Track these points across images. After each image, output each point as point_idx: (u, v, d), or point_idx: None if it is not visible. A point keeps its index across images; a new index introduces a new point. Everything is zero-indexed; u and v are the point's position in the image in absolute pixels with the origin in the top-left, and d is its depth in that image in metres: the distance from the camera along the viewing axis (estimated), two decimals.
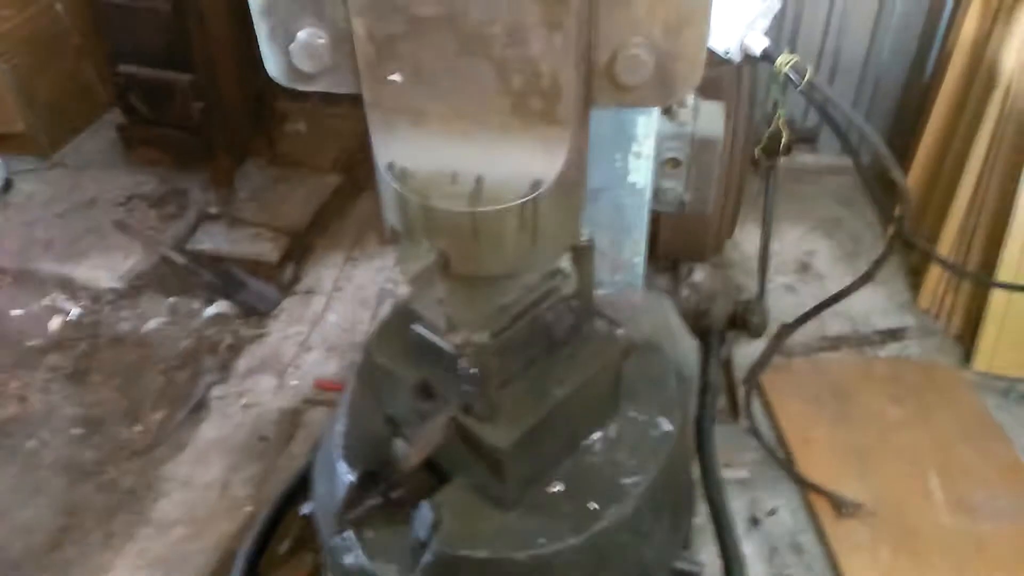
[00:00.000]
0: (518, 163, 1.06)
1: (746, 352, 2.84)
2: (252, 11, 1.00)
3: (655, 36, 0.94)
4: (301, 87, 1.06)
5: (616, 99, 1.00)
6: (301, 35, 1.00)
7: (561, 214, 1.15)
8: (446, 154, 1.07)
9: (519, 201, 1.06)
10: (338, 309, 3.26)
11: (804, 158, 3.79)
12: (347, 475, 1.43)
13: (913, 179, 3.21)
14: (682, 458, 1.58)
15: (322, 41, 1.00)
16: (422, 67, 1.01)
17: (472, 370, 1.26)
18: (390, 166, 1.09)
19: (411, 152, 1.08)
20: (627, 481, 1.38)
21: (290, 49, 1.01)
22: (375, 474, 1.46)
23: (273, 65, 1.05)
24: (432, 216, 1.10)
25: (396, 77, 1.02)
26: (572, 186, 1.14)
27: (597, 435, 1.46)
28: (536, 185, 1.06)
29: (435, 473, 1.44)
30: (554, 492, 1.37)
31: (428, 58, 0.99)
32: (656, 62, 0.95)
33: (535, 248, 1.14)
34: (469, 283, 1.23)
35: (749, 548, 2.31)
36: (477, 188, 1.07)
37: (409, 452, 1.28)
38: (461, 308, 1.29)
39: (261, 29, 1.02)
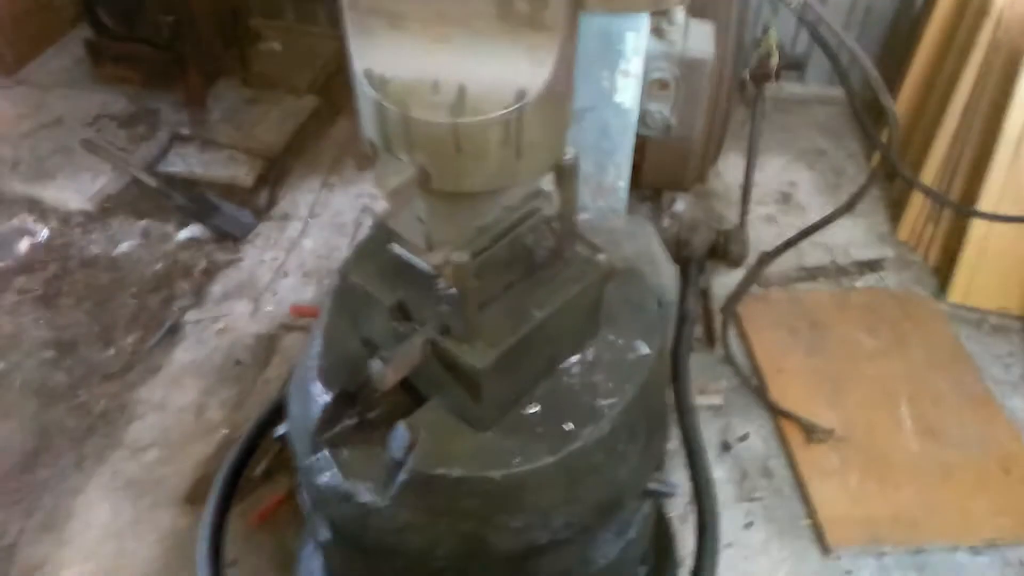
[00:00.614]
0: (503, 71, 1.01)
1: (724, 282, 2.85)
2: None
3: None
4: None
5: (607, 3, 0.95)
6: None
7: (547, 127, 1.10)
8: (427, 61, 1.02)
9: (503, 112, 1.02)
10: (315, 235, 3.21)
11: (791, 87, 3.74)
12: (322, 395, 1.41)
13: (900, 109, 3.18)
14: (658, 382, 1.58)
15: None
16: None
17: (451, 290, 1.24)
18: (367, 73, 1.03)
19: (389, 58, 1.03)
20: (603, 403, 1.37)
21: None
22: (351, 395, 1.44)
23: None
24: (412, 128, 1.05)
25: None
26: (559, 98, 1.09)
27: (575, 358, 1.45)
28: (521, 95, 1.01)
29: (411, 394, 1.43)
30: (531, 413, 1.37)
31: None
32: None
33: (519, 163, 1.10)
34: (449, 200, 1.19)
35: (720, 472, 2.36)
36: (459, 98, 1.02)
37: (385, 372, 1.26)
38: (440, 227, 1.25)
39: None
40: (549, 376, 1.42)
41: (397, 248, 1.34)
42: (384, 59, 1.03)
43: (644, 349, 1.46)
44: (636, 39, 1.55)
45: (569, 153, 1.27)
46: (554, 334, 1.38)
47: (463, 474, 1.28)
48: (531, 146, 1.09)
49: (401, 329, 1.37)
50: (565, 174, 1.29)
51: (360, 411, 1.45)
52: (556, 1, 0.95)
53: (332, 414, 1.42)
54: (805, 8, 1.72)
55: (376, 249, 1.42)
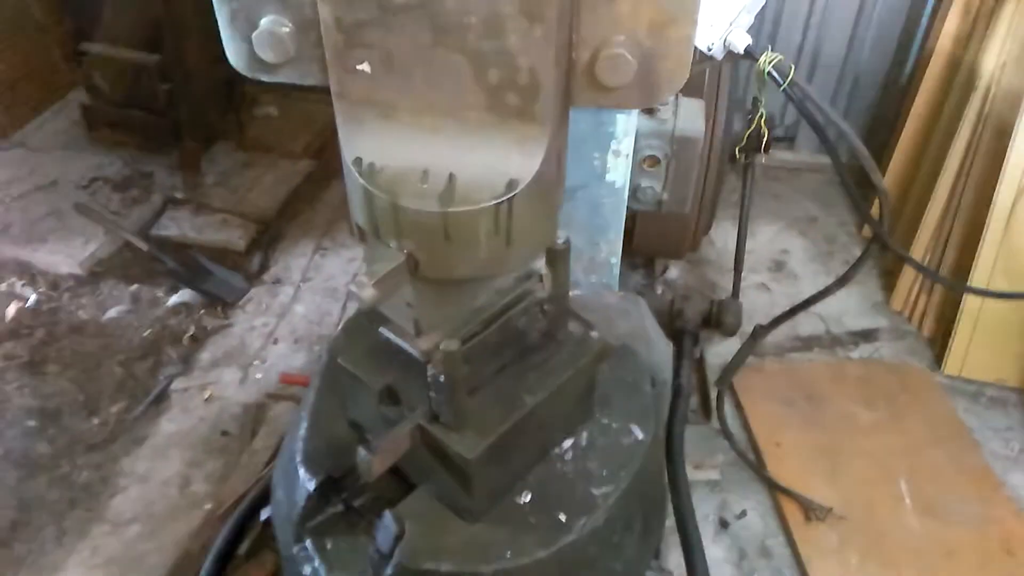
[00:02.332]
0: (493, 162, 1.00)
1: (718, 351, 2.82)
2: None
3: (639, 35, 0.89)
4: (264, 77, 1.00)
5: (597, 100, 0.95)
6: (264, 22, 0.94)
7: (537, 215, 1.09)
8: (416, 150, 1.01)
9: (493, 202, 1.01)
10: (306, 300, 3.19)
11: (781, 155, 3.78)
12: (307, 482, 1.38)
13: (889, 179, 3.20)
14: (655, 467, 1.54)
15: (286, 29, 0.94)
16: (393, 57, 0.95)
17: (440, 377, 1.21)
18: (357, 161, 1.03)
19: (379, 147, 1.02)
20: (598, 492, 1.34)
21: (252, 37, 0.95)
22: (336, 481, 1.41)
23: (234, 54, 0.99)
24: (401, 216, 1.04)
25: (365, 67, 0.96)
26: (549, 186, 1.09)
27: (568, 443, 1.42)
28: (512, 185, 1.00)
29: (399, 480, 1.39)
30: (522, 503, 1.33)
31: (399, 48, 0.93)
32: (640, 62, 0.90)
33: (509, 250, 1.09)
34: (438, 287, 1.18)
35: (718, 551, 2.30)
36: (449, 187, 1.02)
37: (372, 461, 1.23)
38: (430, 312, 1.23)
39: (221, 15, 0.96)
40: (542, 462, 1.39)
41: (386, 331, 1.32)
42: (374, 148, 1.02)
43: (639, 434, 1.43)
44: (627, 120, 1.56)
45: (561, 237, 1.26)
46: (547, 419, 1.35)
47: (452, 569, 1.24)
48: (521, 234, 1.08)
49: (389, 414, 1.34)
50: (557, 258, 1.28)
51: (346, 498, 1.41)
52: (547, 94, 0.94)
53: (317, 501, 1.38)
54: (792, 86, 1.74)
55: (365, 328, 1.40)
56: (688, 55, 0.91)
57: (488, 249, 1.08)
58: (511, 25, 0.89)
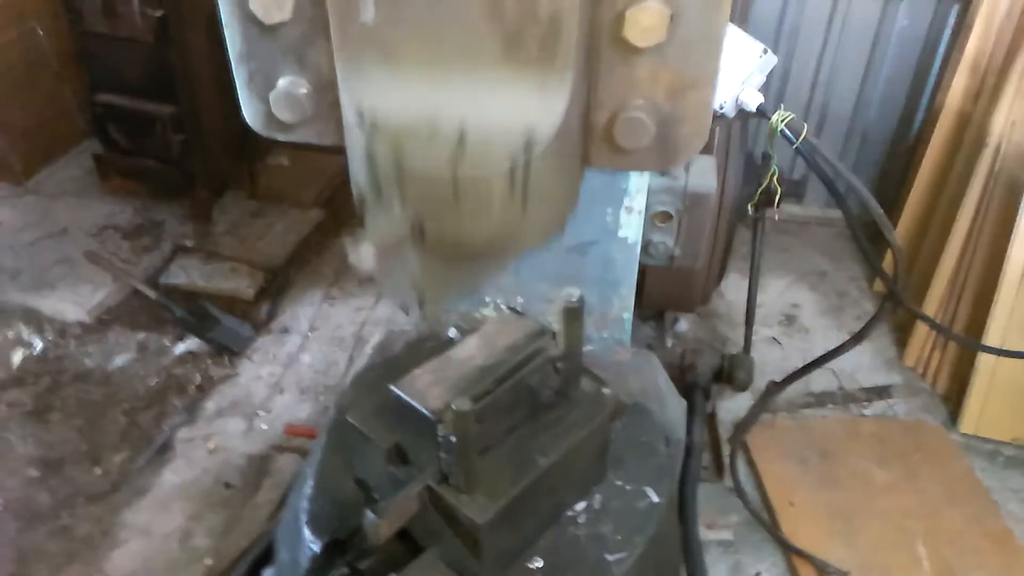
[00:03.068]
0: (508, 116, 0.90)
1: (728, 406, 2.79)
2: (231, 56, 0.94)
3: (658, 98, 0.89)
4: (281, 137, 0.99)
5: (614, 162, 0.94)
6: (281, 83, 0.94)
7: (557, 177, 0.99)
8: (424, 102, 0.90)
9: (509, 162, 0.91)
10: (313, 350, 3.17)
11: (791, 209, 3.77)
12: (312, 543, 1.34)
13: (900, 235, 3.19)
14: (670, 531, 1.50)
15: (304, 91, 0.94)
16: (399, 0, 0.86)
17: (451, 437, 1.18)
18: (359, 114, 0.93)
19: (383, 97, 0.92)
20: (612, 558, 1.30)
21: (270, 98, 0.94)
22: (342, 543, 1.37)
23: (251, 113, 0.98)
24: (406, 177, 0.95)
25: (369, 14, 0.86)
26: (570, 144, 0.98)
27: (581, 505, 1.39)
28: (530, 143, 0.90)
29: (406, 542, 1.35)
30: (534, 568, 1.29)
31: None
32: (658, 126, 0.89)
33: (525, 218, 0.99)
34: (446, 258, 1.06)
35: None
36: (460, 145, 0.91)
37: (380, 523, 1.20)
38: (435, 287, 1.13)
39: (239, 75, 0.96)
40: (553, 525, 1.36)
41: (396, 390, 1.30)
42: (377, 99, 0.93)
43: (654, 497, 1.40)
44: (639, 177, 1.55)
45: (574, 296, 1.24)
46: (560, 481, 1.32)
47: None
48: (539, 199, 0.97)
49: (397, 473, 1.31)
50: (571, 315, 1.27)
51: (351, 560, 1.37)
52: (569, 36, 0.85)
53: (321, 564, 1.35)
54: (805, 144, 1.74)
55: (374, 383, 1.38)
56: (707, 120, 0.91)
57: (502, 215, 0.97)
58: None
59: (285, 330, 3.26)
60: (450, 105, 0.89)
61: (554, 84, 0.88)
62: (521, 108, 0.89)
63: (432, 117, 0.90)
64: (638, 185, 1.59)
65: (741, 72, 1.70)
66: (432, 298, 1.13)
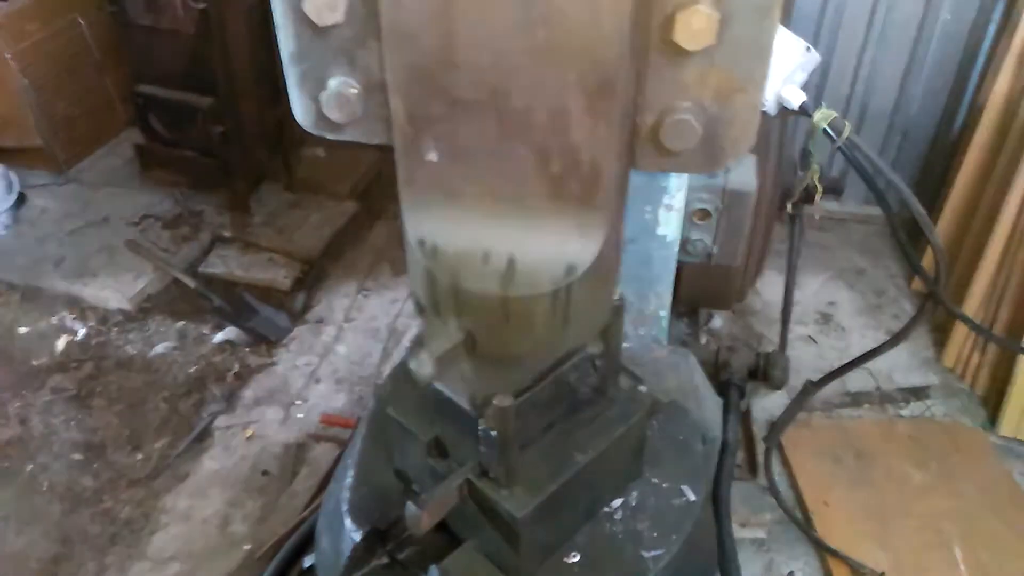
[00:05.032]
0: (553, 247, 1.01)
1: (763, 404, 2.77)
2: (282, 57, 0.95)
3: (705, 101, 0.89)
4: (330, 136, 1.01)
5: (659, 164, 0.94)
6: (332, 83, 0.95)
7: (595, 297, 1.10)
8: (479, 234, 1.02)
9: (552, 286, 1.02)
10: (349, 340, 3.21)
11: (828, 206, 3.73)
12: (353, 532, 1.36)
13: (941, 234, 3.15)
14: (706, 529, 1.51)
15: (354, 91, 0.95)
16: (459, 148, 0.96)
17: (491, 432, 1.20)
18: (421, 243, 1.04)
19: (443, 230, 1.03)
20: (648, 555, 1.31)
21: (320, 98, 0.96)
22: (383, 532, 1.39)
23: (302, 113, 1.00)
24: (461, 296, 1.05)
25: (433, 156, 0.97)
26: (607, 270, 1.09)
27: (618, 502, 1.39)
28: (571, 270, 1.01)
29: (445, 533, 1.37)
30: (571, 563, 1.30)
31: (466, 139, 0.95)
32: (705, 128, 0.90)
33: (566, 331, 1.09)
34: (496, 361, 1.17)
35: None
36: (509, 270, 1.02)
37: (421, 516, 1.21)
38: (486, 385, 1.22)
39: (291, 76, 0.97)
40: (590, 521, 1.36)
41: (436, 384, 1.31)
42: (438, 231, 1.03)
43: (691, 495, 1.40)
44: (679, 176, 1.55)
45: (615, 294, 1.25)
46: (597, 478, 1.33)
47: None
48: (578, 315, 1.08)
49: (437, 466, 1.33)
50: (612, 313, 1.27)
51: (391, 550, 1.39)
52: (608, 184, 0.95)
53: (362, 553, 1.37)
54: (847, 142, 1.72)
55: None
56: (754, 122, 0.91)
57: (545, 329, 1.08)
58: (576, 121, 0.90)
59: (321, 321, 3.30)
60: (502, 237, 1.01)
61: (593, 223, 0.99)
62: (564, 242, 1.01)
63: (486, 246, 1.02)
64: (678, 183, 1.59)
65: (784, 69, 1.69)
66: (483, 395, 1.21)
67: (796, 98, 1.73)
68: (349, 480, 1.47)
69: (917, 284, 3.32)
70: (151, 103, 3.55)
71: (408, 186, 1.01)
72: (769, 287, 3.25)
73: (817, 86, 3.46)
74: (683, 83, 0.88)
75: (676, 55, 0.86)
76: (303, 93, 0.97)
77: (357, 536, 1.37)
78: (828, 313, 3.29)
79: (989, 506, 2.43)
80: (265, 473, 2.63)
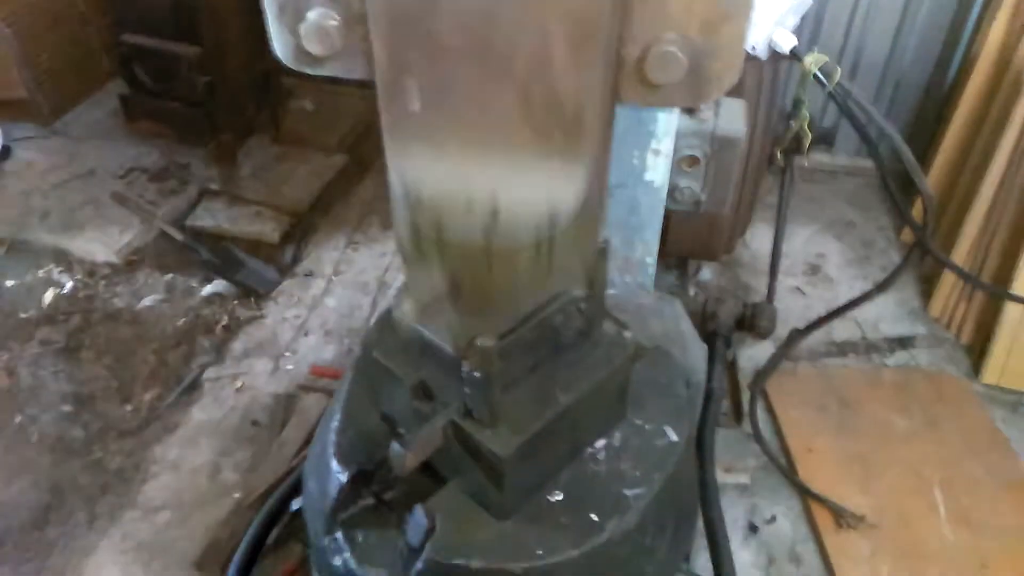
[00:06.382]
0: (536, 195, 1.01)
1: (750, 354, 2.79)
2: None
3: (691, 32, 0.87)
4: (309, 70, 0.99)
5: (644, 98, 0.93)
6: (312, 15, 0.93)
7: (579, 244, 1.11)
8: (462, 182, 1.02)
9: (535, 235, 1.02)
10: (337, 293, 3.21)
11: (819, 157, 3.73)
12: (339, 474, 1.37)
13: (931, 183, 3.14)
14: (688, 471, 1.52)
15: (334, 23, 0.93)
16: (443, 94, 0.95)
17: (475, 373, 1.20)
18: (404, 191, 1.04)
19: (426, 178, 1.03)
20: (630, 493, 1.32)
21: (300, 30, 0.94)
22: (369, 474, 1.40)
23: (280, 46, 0.98)
24: (445, 245, 1.06)
25: (416, 107, 0.95)
26: (590, 219, 1.09)
27: (601, 443, 1.41)
28: (554, 218, 1.01)
29: (430, 475, 1.38)
30: (554, 501, 1.32)
31: (450, 85, 0.94)
32: (690, 60, 0.88)
33: (550, 279, 1.11)
34: (479, 310, 1.19)
35: (747, 556, 2.27)
36: (492, 219, 1.02)
37: (406, 455, 1.22)
38: (470, 332, 1.22)
39: (269, 7, 0.95)
40: (574, 461, 1.38)
41: (419, 327, 1.31)
42: (421, 179, 1.03)
43: (672, 436, 1.41)
44: (667, 119, 1.54)
45: (600, 239, 1.24)
46: (580, 418, 1.34)
47: (482, 566, 1.22)
48: (562, 262, 1.09)
49: (422, 408, 1.34)
50: (596, 256, 1.27)
51: (377, 491, 1.40)
52: (591, 132, 0.95)
53: (349, 494, 1.38)
54: (838, 88, 1.71)
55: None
56: (740, 55, 0.89)
57: (529, 277, 1.09)
58: (559, 56, 0.89)
59: (309, 274, 3.30)
60: (485, 184, 1.00)
61: (578, 164, 0.99)
62: (547, 190, 1.00)
63: (469, 195, 1.01)
64: (666, 128, 1.58)
65: (775, 12, 1.67)
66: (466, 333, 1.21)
67: (787, 42, 1.71)
68: (336, 423, 1.47)
69: (906, 235, 3.33)
70: (136, 53, 3.49)
71: (391, 133, 1.00)
72: (758, 239, 3.26)
73: (811, 35, 3.42)
74: (669, 13, 0.87)
75: None
76: (282, 25, 0.96)
77: (344, 477, 1.38)
78: (817, 264, 3.30)
79: (970, 452, 2.47)
80: (255, 423, 2.65)
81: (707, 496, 1.92)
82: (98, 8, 3.85)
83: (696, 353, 1.82)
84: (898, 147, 1.70)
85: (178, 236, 3.28)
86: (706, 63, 0.89)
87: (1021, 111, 2.68)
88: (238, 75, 3.53)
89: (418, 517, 1.28)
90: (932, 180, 3.17)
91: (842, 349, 2.88)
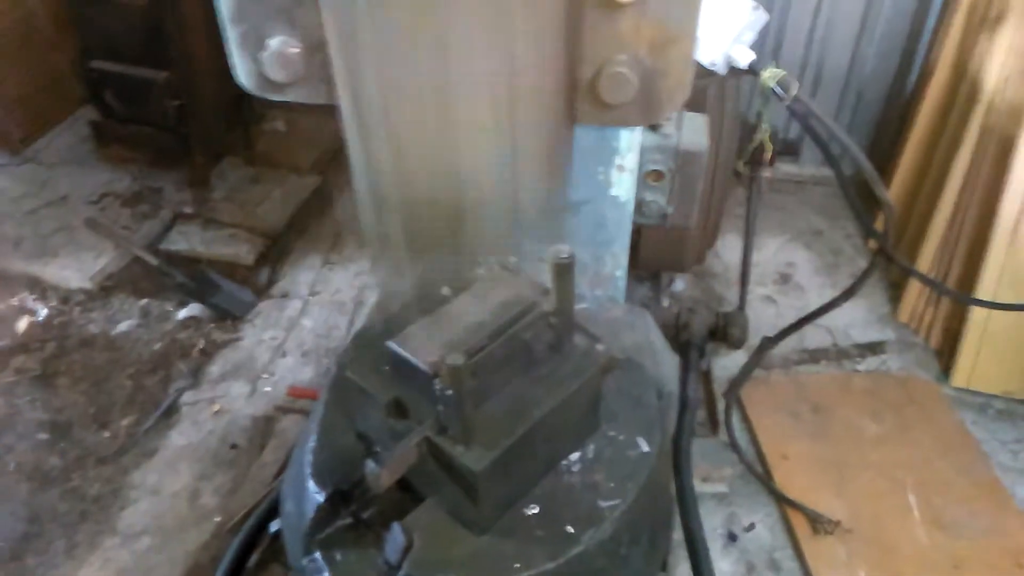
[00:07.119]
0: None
1: (724, 364, 2.83)
2: (221, 17, 0.96)
3: (640, 53, 0.91)
4: (272, 97, 1.01)
5: (599, 117, 0.97)
6: (272, 43, 0.96)
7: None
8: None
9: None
10: (314, 314, 3.21)
11: (785, 168, 3.79)
12: (316, 494, 1.38)
13: (894, 192, 3.21)
14: (662, 480, 1.55)
15: (295, 50, 0.96)
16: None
17: (447, 390, 1.22)
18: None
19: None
20: (605, 504, 1.34)
21: (261, 57, 0.97)
22: (345, 493, 1.41)
23: (243, 74, 1.01)
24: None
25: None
26: (555, 106, 1.08)
27: (575, 455, 1.43)
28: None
29: (407, 492, 1.40)
30: (530, 515, 1.34)
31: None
32: (641, 80, 0.92)
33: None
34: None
35: (726, 564, 2.30)
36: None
37: (381, 472, 1.24)
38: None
39: (231, 36, 0.98)
40: (548, 474, 1.40)
41: (393, 346, 1.33)
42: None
43: (645, 446, 1.43)
44: (631, 136, 1.57)
45: (564, 252, 1.27)
46: (553, 432, 1.36)
47: None
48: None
49: (397, 426, 1.35)
50: (562, 271, 1.29)
51: (354, 510, 1.41)
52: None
53: (326, 513, 1.39)
54: (796, 102, 1.75)
55: (374, 339, 1.41)
56: (688, 73, 0.93)
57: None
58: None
59: (286, 295, 3.30)
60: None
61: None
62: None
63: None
64: (629, 143, 1.61)
65: (732, 29, 1.71)
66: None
67: (745, 57, 1.75)
68: (312, 444, 1.48)
69: (873, 243, 3.39)
70: (106, 79, 3.49)
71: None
72: (729, 250, 3.30)
73: (773, 49, 3.49)
74: (618, 35, 0.90)
75: (610, 8, 0.88)
76: (244, 53, 0.98)
77: (320, 498, 1.39)
78: (787, 273, 3.34)
79: (942, 454, 2.51)
80: (234, 446, 2.64)
81: (686, 506, 1.94)
82: (66, 34, 3.84)
83: (667, 363, 1.85)
84: (855, 156, 1.74)
85: (152, 260, 3.27)
86: (657, 82, 0.92)
87: (978, 120, 2.75)
88: (209, 98, 3.53)
89: (396, 535, 1.29)
90: (895, 188, 3.23)
91: (814, 356, 2.93)
